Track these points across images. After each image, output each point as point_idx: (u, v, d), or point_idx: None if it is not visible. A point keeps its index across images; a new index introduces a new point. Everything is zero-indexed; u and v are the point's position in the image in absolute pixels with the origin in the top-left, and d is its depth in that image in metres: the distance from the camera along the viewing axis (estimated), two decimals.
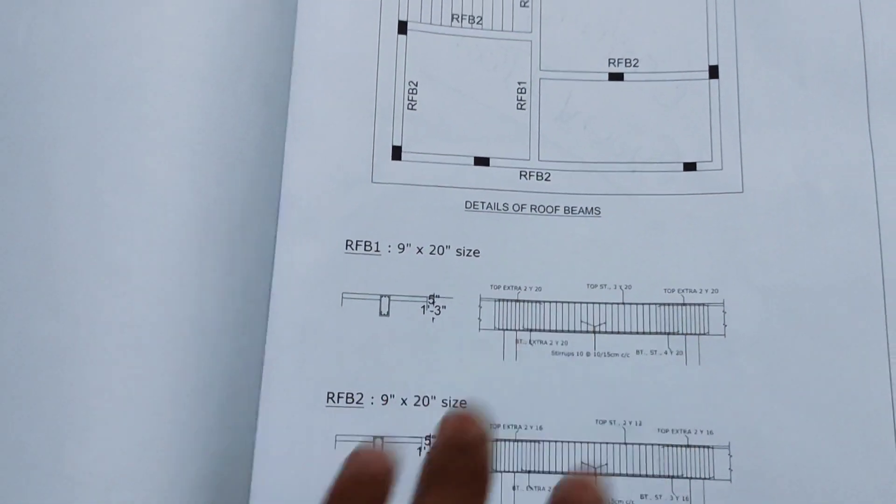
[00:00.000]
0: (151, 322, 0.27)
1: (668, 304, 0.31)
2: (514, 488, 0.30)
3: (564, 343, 0.31)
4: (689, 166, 0.32)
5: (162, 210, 0.27)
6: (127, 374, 0.26)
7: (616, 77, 0.33)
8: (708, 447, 0.30)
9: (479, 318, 0.31)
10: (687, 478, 0.30)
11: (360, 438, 0.30)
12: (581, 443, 0.30)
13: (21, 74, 0.27)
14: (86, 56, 0.28)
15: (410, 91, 0.33)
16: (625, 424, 0.30)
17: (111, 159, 0.27)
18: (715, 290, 0.31)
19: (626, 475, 0.30)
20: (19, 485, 0.25)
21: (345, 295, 0.31)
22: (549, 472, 0.30)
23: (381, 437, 0.30)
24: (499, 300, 0.31)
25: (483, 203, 0.32)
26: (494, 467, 0.29)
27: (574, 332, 0.31)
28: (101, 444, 0.25)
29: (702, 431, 0.30)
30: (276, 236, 0.30)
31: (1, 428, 0.25)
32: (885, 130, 0.32)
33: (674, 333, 0.31)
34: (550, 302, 0.31)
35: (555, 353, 0.31)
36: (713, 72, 0.33)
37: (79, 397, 0.26)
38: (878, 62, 0.32)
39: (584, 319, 0.31)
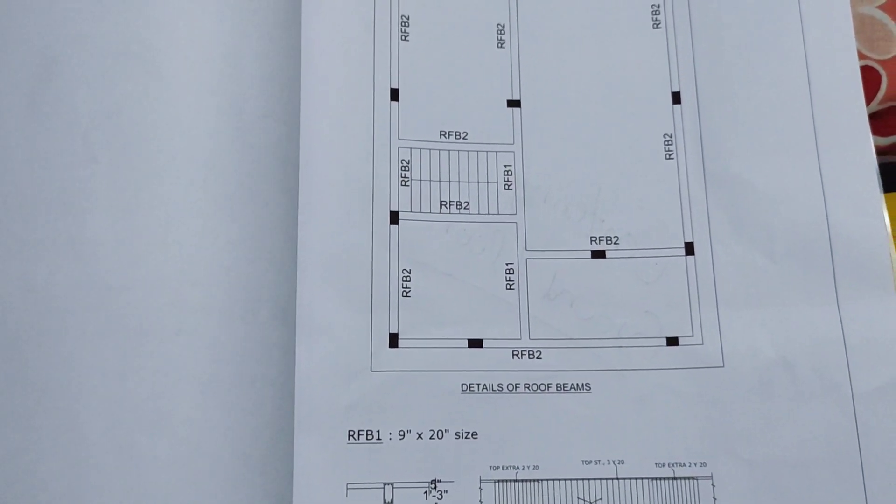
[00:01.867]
0: None
1: (660, 479, 0.32)
2: None
3: None
4: (672, 341, 0.34)
5: (193, 447, 0.28)
6: None
7: (598, 254, 0.35)
8: None
9: (480, 501, 0.32)
10: None
11: None
12: None
13: (41, 315, 0.29)
14: (103, 297, 0.29)
15: (404, 279, 0.34)
16: None
17: (137, 397, 0.28)
18: (703, 464, 0.33)
19: None
20: None
21: (349, 486, 0.32)
22: None
23: None
24: (498, 481, 0.32)
25: (479, 385, 0.33)
26: None
27: None
28: None
29: None
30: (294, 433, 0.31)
31: None
32: (853, 306, 0.34)
33: None
34: (548, 480, 0.32)
35: None
36: (689, 248, 0.35)
37: None
38: (841, 240, 0.34)
39: (581, 496, 0.32)
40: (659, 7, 0.38)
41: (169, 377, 0.29)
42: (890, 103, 0.40)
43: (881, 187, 0.35)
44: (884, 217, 0.34)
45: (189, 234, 0.30)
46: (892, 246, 0.34)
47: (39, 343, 0.29)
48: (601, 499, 0.32)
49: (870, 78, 0.40)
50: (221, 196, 0.31)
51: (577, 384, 0.33)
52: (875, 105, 0.40)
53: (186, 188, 0.30)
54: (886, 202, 0.35)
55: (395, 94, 0.36)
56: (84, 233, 0.29)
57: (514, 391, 0.33)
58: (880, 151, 0.40)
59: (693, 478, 0.32)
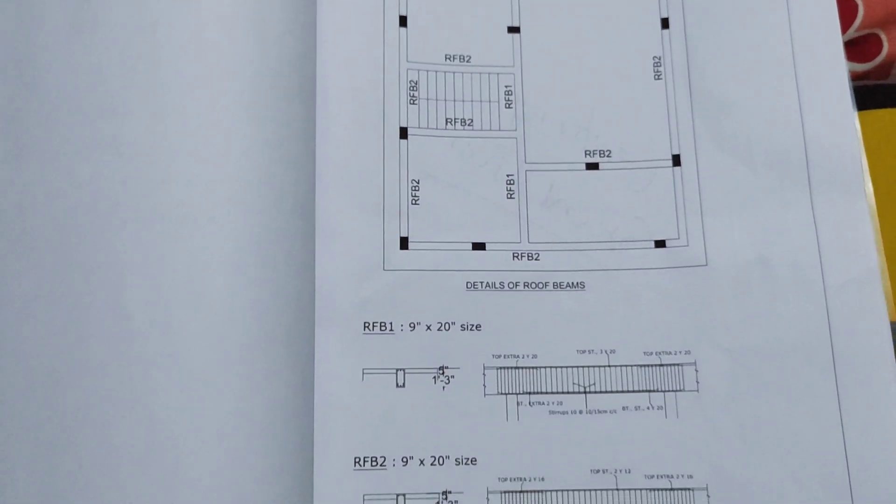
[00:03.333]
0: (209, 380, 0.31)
1: (648, 366, 0.35)
2: None
3: (560, 403, 0.35)
4: (660, 243, 0.37)
5: (224, 320, 0.32)
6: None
7: (592, 167, 0.38)
8: (689, 489, 0.34)
9: (483, 385, 0.35)
10: None
11: (384, 497, 0.34)
12: (578, 490, 0.34)
13: (87, 207, 0.32)
14: (143, 190, 0.32)
15: (413, 188, 0.37)
16: (616, 473, 0.34)
17: (175, 277, 0.32)
18: (687, 352, 0.35)
19: None
20: None
21: (365, 371, 0.35)
22: None
23: (404, 495, 0.34)
24: (500, 368, 0.35)
25: (482, 283, 0.36)
26: None
27: (567, 393, 0.35)
28: None
29: (683, 476, 0.34)
30: (314, 326, 0.34)
31: None
32: (825, 210, 0.36)
33: (654, 391, 0.35)
34: (545, 367, 0.35)
35: (552, 412, 0.35)
36: (676, 160, 0.38)
37: None
38: (816, 150, 0.37)
39: (576, 381, 0.35)
40: None
41: (202, 260, 0.32)
42: (867, 31, 0.43)
43: (855, 104, 0.38)
44: (856, 129, 0.37)
45: (218, 135, 0.33)
46: (864, 155, 0.37)
47: (87, 232, 0.32)
48: (594, 384, 0.35)
49: (847, 7, 0.43)
50: (246, 102, 0.34)
51: (573, 283, 0.36)
52: (852, 32, 0.43)
53: (214, 95, 0.33)
54: (862, 119, 0.38)
55: (403, 21, 0.39)
56: (125, 134, 0.33)
57: (514, 289, 0.36)
58: (859, 76, 0.43)
59: (678, 364, 0.35)
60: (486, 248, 0.36)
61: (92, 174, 0.32)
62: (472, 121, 0.38)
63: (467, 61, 0.38)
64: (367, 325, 0.35)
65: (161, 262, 0.31)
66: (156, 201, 0.32)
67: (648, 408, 0.35)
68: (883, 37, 0.43)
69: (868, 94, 0.41)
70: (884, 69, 0.43)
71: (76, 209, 0.32)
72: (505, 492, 0.34)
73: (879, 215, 0.36)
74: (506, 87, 0.38)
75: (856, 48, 0.43)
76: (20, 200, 0.32)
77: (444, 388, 0.34)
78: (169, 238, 0.32)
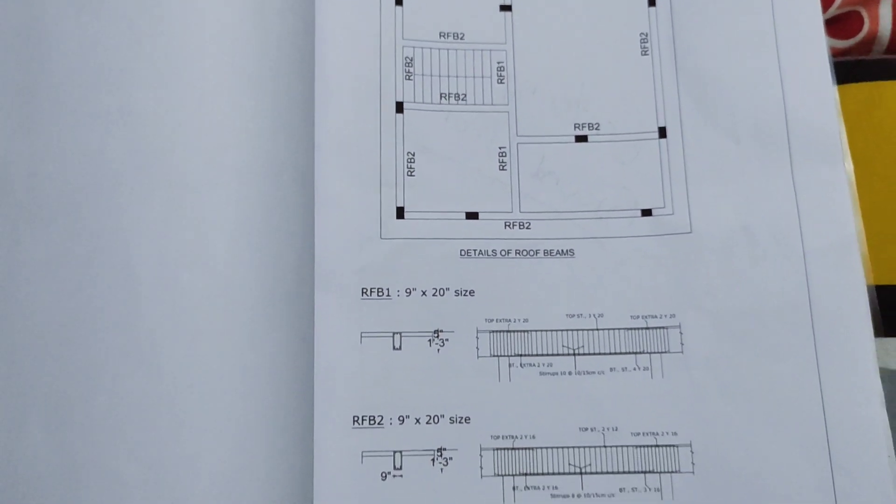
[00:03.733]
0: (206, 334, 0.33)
1: (635, 329, 0.37)
2: (513, 489, 0.35)
3: (549, 365, 0.36)
4: (646, 212, 0.38)
5: (227, 284, 0.33)
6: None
7: (581, 139, 0.39)
8: (673, 446, 0.35)
9: (476, 348, 0.36)
10: (657, 472, 0.35)
11: (382, 454, 0.35)
12: (567, 448, 0.35)
13: (96, 175, 0.33)
14: (149, 159, 0.33)
15: (409, 160, 0.38)
16: (604, 431, 0.35)
17: (180, 241, 0.33)
18: (672, 315, 0.37)
19: (607, 473, 0.35)
20: None
21: (363, 334, 0.36)
22: (542, 474, 0.35)
23: (400, 451, 0.35)
24: (492, 331, 0.36)
25: (475, 251, 0.37)
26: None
27: (557, 355, 0.36)
28: None
29: (668, 433, 0.35)
30: (314, 293, 0.35)
31: None
32: (805, 179, 0.37)
33: (640, 353, 0.36)
34: (536, 331, 0.36)
35: (542, 373, 0.36)
36: (662, 132, 0.39)
37: None
38: (797, 122, 0.37)
39: (565, 344, 0.37)
40: None
41: (206, 224, 0.33)
42: (848, 8, 0.44)
43: (834, 79, 0.39)
44: (835, 102, 0.38)
45: (221, 107, 0.34)
46: (843, 127, 0.38)
47: (95, 198, 0.33)
48: (583, 346, 0.36)
49: None
50: (248, 76, 0.35)
51: (562, 250, 0.37)
52: (834, 10, 0.44)
53: (218, 68, 0.35)
54: (843, 92, 0.39)
55: (399, 0, 0.40)
56: (131, 105, 0.34)
57: (506, 256, 0.37)
58: (841, 52, 0.44)
59: (664, 327, 0.37)
60: (480, 217, 0.37)
61: (100, 143, 0.33)
62: (465, 96, 0.39)
63: (461, 39, 0.39)
64: (365, 290, 0.36)
65: (166, 227, 0.33)
66: (161, 169, 0.33)
67: (635, 369, 0.36)
68: (864, 14, 0.44)
69: (850, 69, 0.42)
70: (865, 46, 0.44)
71: (84, 177, 0.33)
72: (497, 449, 0.35)
73: (857, 184, 0.37)
74: (498, 63, 0.39)
75: (837, 25, 0.44)
76: (31, 169, 0.33)
77: (438, 350, 0.35)
78: (174, 204, 0.33)
